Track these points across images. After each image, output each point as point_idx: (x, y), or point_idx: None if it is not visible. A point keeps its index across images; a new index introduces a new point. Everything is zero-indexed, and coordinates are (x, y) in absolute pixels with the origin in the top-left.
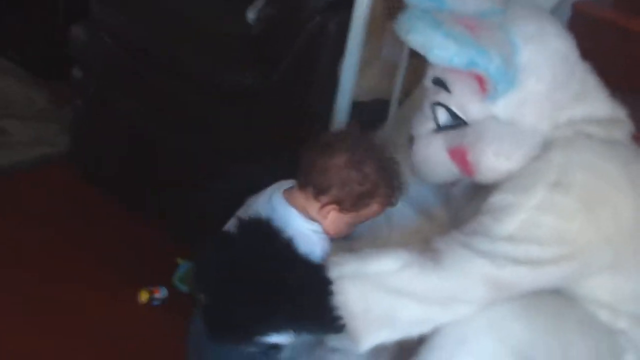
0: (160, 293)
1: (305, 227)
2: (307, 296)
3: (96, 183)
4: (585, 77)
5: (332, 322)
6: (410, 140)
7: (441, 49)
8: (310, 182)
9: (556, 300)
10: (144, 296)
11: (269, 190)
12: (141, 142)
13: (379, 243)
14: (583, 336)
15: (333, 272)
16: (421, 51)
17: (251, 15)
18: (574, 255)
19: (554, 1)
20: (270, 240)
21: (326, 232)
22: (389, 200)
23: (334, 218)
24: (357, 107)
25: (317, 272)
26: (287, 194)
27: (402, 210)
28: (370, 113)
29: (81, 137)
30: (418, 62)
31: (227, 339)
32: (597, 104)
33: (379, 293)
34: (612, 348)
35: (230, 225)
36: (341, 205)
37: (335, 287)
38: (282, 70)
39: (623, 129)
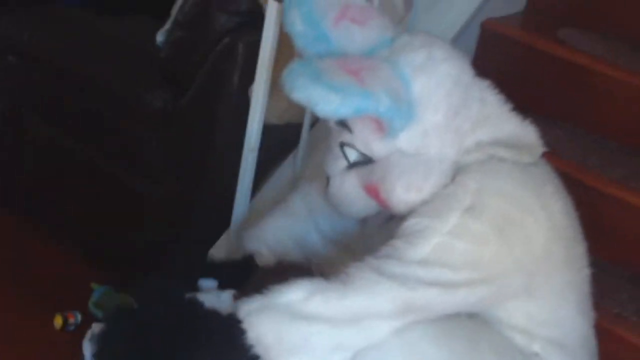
0: (75, 318)
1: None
2: (221, 346)
3: (7, 205)
4: (484, 96)
5: None
6: (327, 180)
7: (325, 103)
8: None
9: (471, 323)
10: (58, 321)
11: None
12: (54, 162)
13: None
14: (498, 359)
15: (241, 311)
16: (308, 107)
17: (160, 38)
18: (486, 280)
19: (462, 21)
20: (171, 308)
21: None
22: None
23: None
24: (269, 130)
25: (225, 320)
26: None
27: (317, 244)
28: (282, 136)
29: None
30: None
31: None
32: (501, 123)
33: (288, 321)
34: None
35: None
36: None
37: (245, 325)
38: (191, 93)
39: (533, 151)
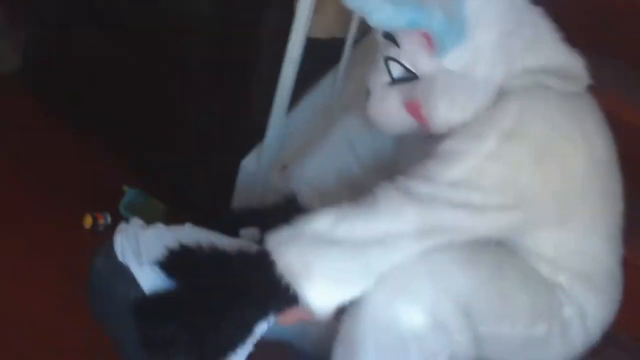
0: (105, 219)
1: None
2: (255, 286)
3: (47, 103)
4: (536, 23)
5: (285, 295)
6: (367, 93)
7: (378, 12)
8: None
9: (498, 251)
10: (87, 221)
11: None
12: (97, 63)
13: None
14: (523, 288)
15: (270, 244)
16: (361, 15)
17: None
18: (517, 206)
19: None
20: (198, 268)
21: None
22: None
23: None
24: (312, 44)
25: (254, 258)
26: None
27: (356, 173)
28: (325, 51)
29: (34, 58)
30: None
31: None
32: (550, 53)
33: (315, 248)
34: (551, 301)
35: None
36: None
37: (274, 256)
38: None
39: (579, 82)
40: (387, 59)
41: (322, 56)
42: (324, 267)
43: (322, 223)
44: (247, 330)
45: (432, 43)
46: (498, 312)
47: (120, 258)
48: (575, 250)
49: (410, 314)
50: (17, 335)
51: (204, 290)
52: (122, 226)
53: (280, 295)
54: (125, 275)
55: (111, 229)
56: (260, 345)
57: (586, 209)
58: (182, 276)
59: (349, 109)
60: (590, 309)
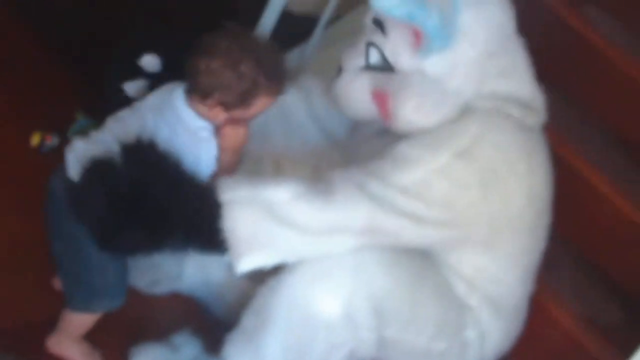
0: (52, 141)
1: (194, 124)
2: (196, 220)
3: (26, 19)
4: (516, 53)
5: (219, 245)
6: (338, 71)
7: None
8: (195, 87)
9: (421, 261)
10: (35, 139)
11: (168, 86)
12: None
13: (275, 151)
14: (435, 301)
15: (225, 196)
16: None
17: None
18: (455, 224)
19: None
20: (156, 166)
21: (223, 131)
22: (275, 91)
23: (223, 118)
24: (286, 17)
25: (207, 196)
26: (187, 95)
27: (305, 123)
28: (297, 26)
29: None
30: None
31: (115, 253)
32: (521, 84)
33: (267, 221)
34: (458, 320)
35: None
36: (227, 105)
37: (225, 211)
38: None
39: (538, 117)
40: (369, 44)
41: (292, 31)
42: (264, 242)
43: (279, 194)
44: (157, 250)
45: (419, 41)
46: (407, 319)
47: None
48: (493, 277)
49: (326, 301)
50: None
51: (148, 191)
52: (71, 145)
53: (212, 239)
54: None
55: (56, 152)
56: (173, 296)
57: (514, 240)
58: (136, 168)
59: (317, 73)
60: (492, 335)
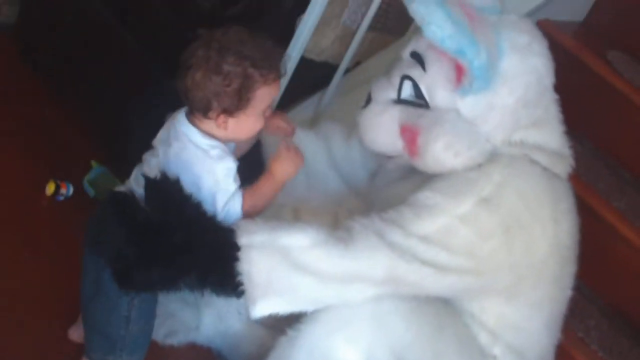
0: (67, 189)
1: (203, 142)
2: (214, 261)
3: (35, 63)
4: (549, 106)
5: (235, 288)
6: (367, 101)
7: (438, 27)
8: (192, 106)
9: (443, 310)
10: (50, 187)
11: (171, 115)
12: (89, 31)
13: (295, 201)
14: (457, 353)
15: (242, 240)
16: (419, 23)
17: None
18: (478, 272)
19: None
20: (178, 203)
21: (239, 139)
22: (271, 76)
23: (233, 124)
24: (306, 63)
25: (225, 238)
26: (190, 116)
27: (325, 172)
28: (317, 73)
29: (30, 11)
30: (375, 35)
31: (132, 290)
32: (551, 136)
33: (284, 268)
34: None
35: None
36: (229, 111)
37: (242, 255)
38: (242, 4)
39: (564, 165)
40: (405, 77)
41: (312, 77)
42: (283, 289)
43: (297, 241)
44: (173, 288)
45: (461, 78)
46: None
47: None
48: (516, 326)
49: (346, 351)
50: None
51: (168, 228)
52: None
53: (229, 286)
54: None
55: (70, 202)
56: (190, 347)
57: (537, 288)
58: (158, 204)
59: (336, 118)
60: None
